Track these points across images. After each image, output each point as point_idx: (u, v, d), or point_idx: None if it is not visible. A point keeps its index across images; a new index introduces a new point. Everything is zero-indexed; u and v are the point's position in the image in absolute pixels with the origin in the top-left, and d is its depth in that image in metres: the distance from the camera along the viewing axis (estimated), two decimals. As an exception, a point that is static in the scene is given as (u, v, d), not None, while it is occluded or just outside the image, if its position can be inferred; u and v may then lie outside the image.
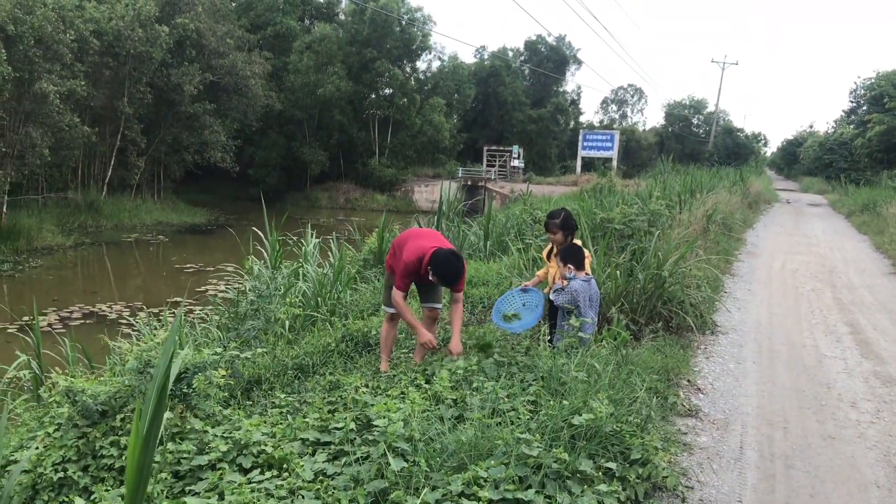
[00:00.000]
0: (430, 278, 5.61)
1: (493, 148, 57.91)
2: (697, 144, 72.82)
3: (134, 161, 39.16)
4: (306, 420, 4.70)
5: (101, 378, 5.16)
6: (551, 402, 4.10)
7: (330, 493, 3.58)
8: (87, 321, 18.25)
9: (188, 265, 26.69)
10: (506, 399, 4.33)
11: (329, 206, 51.55)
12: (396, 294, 5.68)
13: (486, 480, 3.30)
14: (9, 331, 17.00)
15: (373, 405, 4.70)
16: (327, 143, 52.51)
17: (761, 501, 3.95)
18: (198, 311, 11.58)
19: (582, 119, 76.89)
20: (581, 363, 4.68)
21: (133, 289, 23.64)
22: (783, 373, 6.35)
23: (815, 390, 5.91)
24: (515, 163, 56.34)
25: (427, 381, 5.10)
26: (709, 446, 4.58)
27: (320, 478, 3.93)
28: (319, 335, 7.48)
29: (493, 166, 55.83)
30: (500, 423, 4.01)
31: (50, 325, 17.70)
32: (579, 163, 55.94)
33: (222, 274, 20.77)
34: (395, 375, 5.51)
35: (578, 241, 6.19)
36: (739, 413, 5.25)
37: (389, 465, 3.55)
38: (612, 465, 3.53)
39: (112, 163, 38.47)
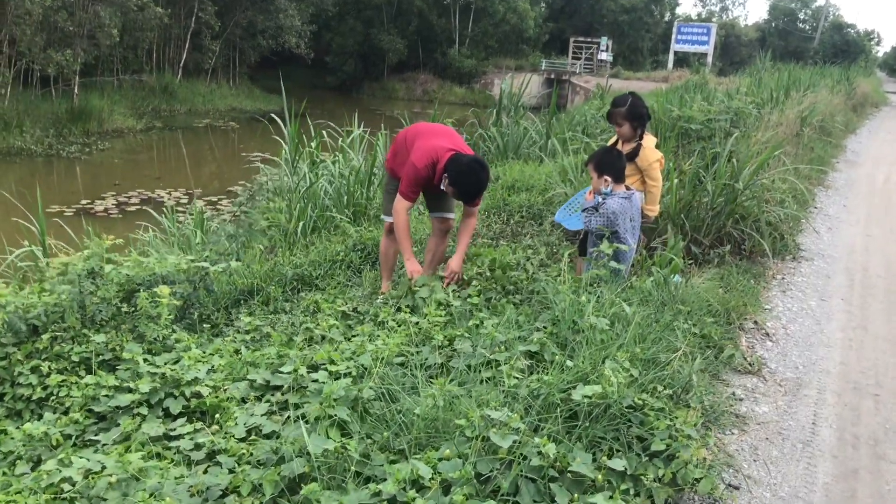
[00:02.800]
0: (443, 188, 4.56)
1: (581, 39, 54.88)
2: (802, 41, 67.86)
3: (208, 45, 38.49)
4: (265, 353, 3.81)
5: (47, 287, 4.37)
6: (556, 358, 3.07)
7: (243, 469, 2.69)
8: (145, 207, 17.87)
9: (255, 154, 26.11)
10: (501, 348, 3.32)
11: (406, 98, 50.16)
12: (400, 205, 4.65)
13: (432, 479, 2.33)
14: (66, 214, 16.80)
15: (340, 342, 3.77)
16: (406, 30, 50.66)
17: (834, 508, 2.89)
18: (225, 207, 10.87)
19: (678, 11, 72.26)
20: (606, 304, 3.60)
21: (195, 176, 23.24)
22: (878, 316, 5.12)
23: (918, 341, 4.70)
24: (603, 56, 53.35)
25: (413, 312, 4.13)
26: (770, 420, 3.47)
27: (252, 437, 3.06)
28: (332, 242, 6.57)
29: (579, 59, 53.01)
30: (483, 382, 3.02)
31: (106, 209, 17.42)
32: (671, 58, 52.53)
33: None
34: (366, 311, 4.55)
35: (652, 138, 4.99)
36: (817, 371, 4.11)
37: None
38: (619, 462, 2.50)
39: (187, 46, 37.89)
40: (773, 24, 73.58)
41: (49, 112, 27.13)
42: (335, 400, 2.80)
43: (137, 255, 4.76)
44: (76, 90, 28.93)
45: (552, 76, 49.05)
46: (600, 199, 4.24)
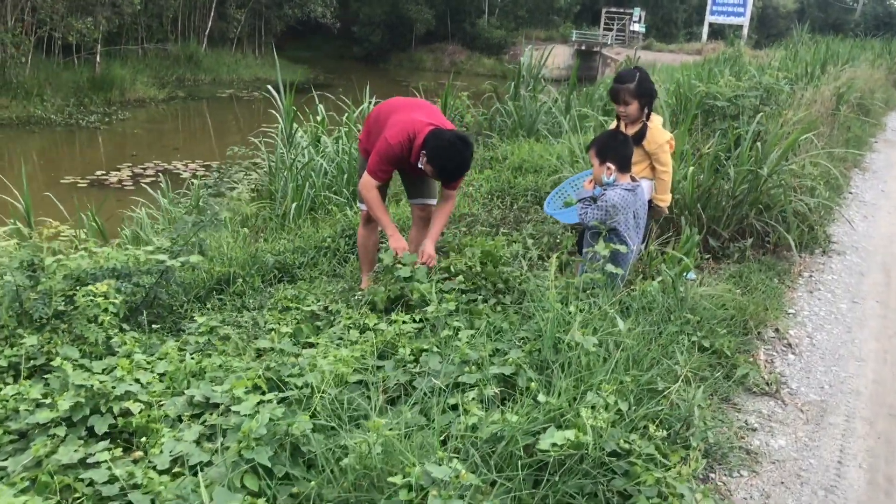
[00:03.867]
0: (421, 167, 4.07)
1: (613, 10, 53.51)
2: (843, 13, 65.64)
3: (233, 14, 38.13)
4: (211, 363, 3.37)
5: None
6: (531, 385, 2.58)
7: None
8: (159, 179, 17.54)
9: (274, 125, 25.71)
10: (471, 368, 2.84)
11: (433, 69, 49.32)
12: (367, 181, 4.17)
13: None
14: (79, 185, 16.57)
15: (297, 355, 3.30)
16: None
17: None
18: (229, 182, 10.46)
19: (715, -19, 70.20)
20: (597, 316, 3.09)
21: (212, 147, 22.88)
22: (919, 322, 4.57)
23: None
24: (636, 27, 52.03)
25: (383, 315, 3.66)
26: (787, 458, 2.96)
27: (177, 468, 2.63)
28: (321, 227, 6.12)
29: (611, 30, 51.76)
30: (446, 411, 2.55)
31: (121, 181, 17.10)
32: (706, 29, 51.08)
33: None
34: (337, 311, 4.07)
35: (658, 118, 4.41)
36: (845, 391, 3.57)
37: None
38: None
39: (212, 15, 37.49)
40: (813, -5, 71.36)
41: (70, 81, 26.92)
42: (256, 440, 2.33)
43: (92, 244, 4.35)
44: (98, 59, 28.66)
45: (583, 47, 48.05)
46: (601, 190, 3.71)
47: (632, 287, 3.81)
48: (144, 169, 18.31)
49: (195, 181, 8.15)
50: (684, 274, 3.98)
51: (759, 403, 3.33)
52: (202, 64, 36.67)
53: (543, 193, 6.37)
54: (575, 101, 11.01)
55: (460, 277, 3.92)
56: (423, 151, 4.00)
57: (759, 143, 5.55)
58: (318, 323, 3.98)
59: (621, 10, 53.30)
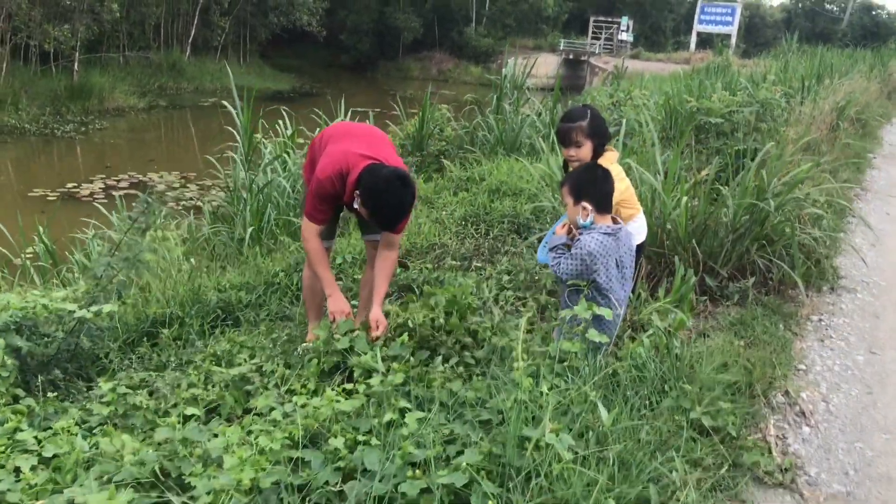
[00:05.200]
0: (357, 207, 3.48)
1: (601, 19, 53.31)
2: (829, 23, 65.70)
3: (217, 21, 37.55)
4: (113, 445, 2.76)
5: None
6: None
7: None
8: (133, 191, 16.88)
9: (256, 134, 25.06)
10: (416, 471, 2.25)
11: (421, 77, 48.86)
12: (307, 229, 3.60)
13: None
14: (49, 198, 15.92)
15: (204, 442, 2.69)
16: (422, 8, 49.41)
17: None
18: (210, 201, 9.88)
19: (704, -11, 70.17)
20: (576, 399, 2.50)
21: (192, 158, 22.22)
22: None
23: None
24: (623, 36, 51.84)
25: (314, 394, 3.05)
26: (810, 579, 2.39)
27: None
28: (276, 258, 5.54)
29: (599, 39, 51.51)
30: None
31: (92, 194, 16.44)
32: (694, 38, 50.92)
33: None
34: (272, 371, 3.45)
35: (613, 153, 3.71)
36: (873, 478, 2.97)
37: None
38: None
39: (195, 22, 36.88)
40: (800, 5, 71.42)
41: (47, 89, 26.22)
42: None
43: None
44: (76, 67, 27.96)
45: (571, 56, 47.84)
46: (572, 234, 3.12)
47: (618, 347, 3.24)
48: (118, 181, 17.70)
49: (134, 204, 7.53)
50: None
51: (772, 499, 2.74)
52: (185, 72, 36.05)
53: (522, 220, 5.81)
54: (560, 113, 10.44)
55: (404, 338, 3.32)
56: (357, 191, 3.41)
57: (763, 171, 4.96)
58: (249, 388, 3.38)
59: (609, 20, 53.23)
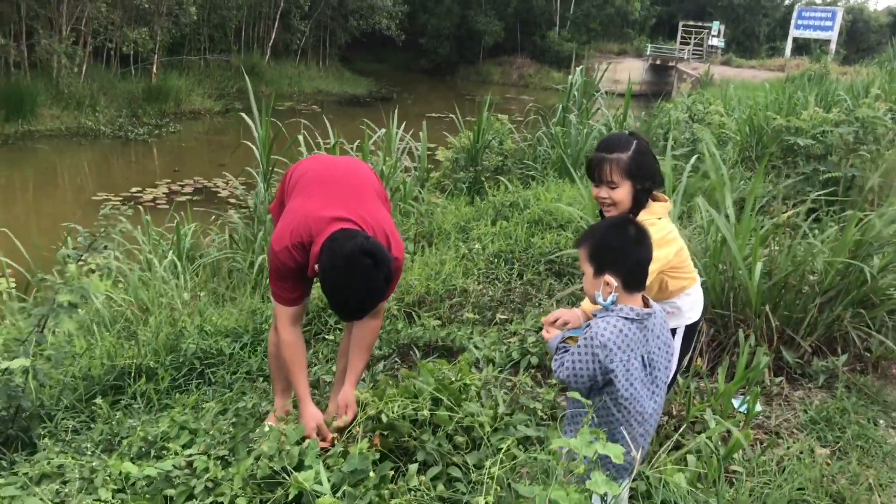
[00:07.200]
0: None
1: (691, 24, 51.56)
2: (943, 28, 61.97)
3: (297, 25, 37.68)
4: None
5: None
6: None
7: None
8: (196, 197, 16.61)
9: (327, 141, 24.69)
10: None
11: (501, 83, 48.12)
12: (278, 316, 2.84)
13: None
14: (111, 201, 15.74)
15: None
16: (504, 11, 48.68)
17: None
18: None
19: (802, -7, 67.38)
20: None
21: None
22: None
23: None
24: (714, 41, 49.99)
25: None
26: None
27: None
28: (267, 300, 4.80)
29: (688, 44, 49.78)
30: None
31: (155, 199, 16.25)
32: (789, 44, 48.58)
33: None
34: (205, 469, 2.67)
35: (663, 204, 2.75)
36: None
37: None
38: None
39: (276, 26, 37.06)
40: (909, 9, 67.63)
41: (125, 91, 26.50)
42: None
43: None
44: (155, 69, 28.22)
45: (657, 62, 46.40)
46: (577, 322, 2.26)
47: (650, 464, 2.36)
48: (182, 186, 17.53)
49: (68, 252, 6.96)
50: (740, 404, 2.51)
51: None
52: (264, 76, 36.18)
53: (566, 261, 4.91)
54: (633, 123, 9.49)
55: (363, 444, 2.51)
56: (317, 266, 2.62)
57: (860, 215, 3.95)
58: (172, 492, 2.62)
59: (699, 24, 51.50)
